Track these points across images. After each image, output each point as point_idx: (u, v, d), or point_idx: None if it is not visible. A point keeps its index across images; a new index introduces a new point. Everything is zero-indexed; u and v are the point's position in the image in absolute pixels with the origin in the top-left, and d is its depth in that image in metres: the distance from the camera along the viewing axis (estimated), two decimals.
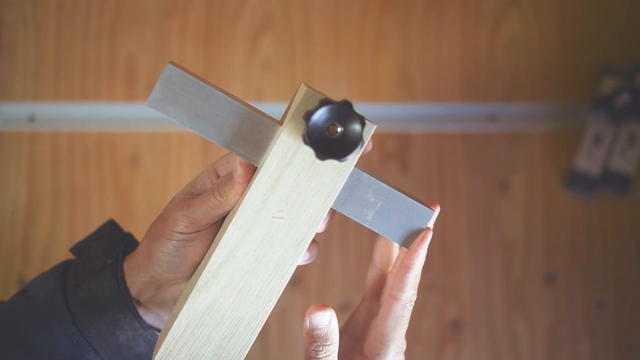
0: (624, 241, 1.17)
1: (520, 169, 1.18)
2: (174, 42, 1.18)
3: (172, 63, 0.44)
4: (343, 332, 0.55)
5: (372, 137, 0.48)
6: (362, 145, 0.44)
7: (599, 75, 1.19)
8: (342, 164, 0.46)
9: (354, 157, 0.45)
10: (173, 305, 0.53)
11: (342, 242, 1.13)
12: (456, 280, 1.14)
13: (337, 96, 1.18)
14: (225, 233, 0.46)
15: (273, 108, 1.17)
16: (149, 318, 0.54)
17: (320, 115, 0.43)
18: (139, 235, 0.60)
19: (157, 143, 1.16)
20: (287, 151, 0.45)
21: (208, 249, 0.50)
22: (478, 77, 1.20)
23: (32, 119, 1.15)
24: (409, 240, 0.49)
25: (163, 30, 1.18)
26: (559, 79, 1.21)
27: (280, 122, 0.48)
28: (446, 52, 1.20)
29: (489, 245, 1.16)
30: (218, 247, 0.46)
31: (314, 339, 0.48)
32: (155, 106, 0.45)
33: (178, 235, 0.49)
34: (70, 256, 0.58)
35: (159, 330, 0.54)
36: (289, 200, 0.46)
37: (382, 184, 0.48)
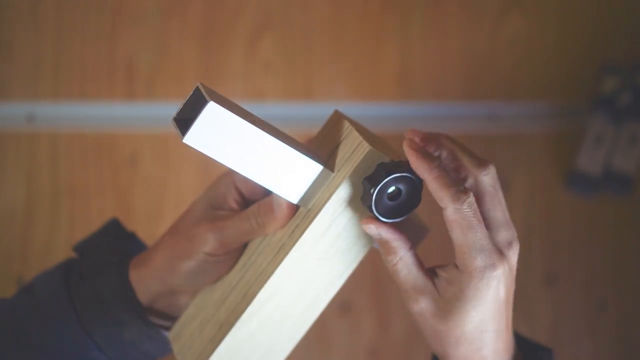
0: (626, 241, 1.16)
1: (521, 168, 1.18)
2: (174, 42, 1.18)
3: (213, 99, 0.42)
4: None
5: None
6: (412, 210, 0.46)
7: (600, 75, 1.19)
8: None
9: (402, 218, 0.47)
10: (183, 307, 0.53)
11: None
12: None
13: (337, 96, 1.18)
14: (274, 274, 0.47)
15: (273, 108, 1.17)
16: (153, 316, 0.54)
17: (386, 185, 0.45)
18: (140, 235, 0.60)
19: (156, 143, 1.16)
20: (341, 204, 0.46)
21: (232, 267, 0.51)
22: (479, 77, 1.20)
23: (30, 118, 1.15)
24: None
25: (163, 30, 1.18)
26: (560, 78, 1.21)
27: (321, 159, 0.47)
28: (447, 51, 1.20)
29: None
30: (266, 285, 0.47)
31: (382, 246, 0.47)
32: (193, 143, 0.43)
33: (207, 257, 0.49)
34: (73, 254, 0.58)
35: (163, 328, 0.54)
36: (335, 244, 0.47)
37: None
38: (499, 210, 0.46)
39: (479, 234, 0.44)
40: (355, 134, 0.46)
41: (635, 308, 1.15)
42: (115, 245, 0.55)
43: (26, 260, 1.11)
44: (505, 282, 0.45)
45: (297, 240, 0.46)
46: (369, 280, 1.13)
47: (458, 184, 0.44)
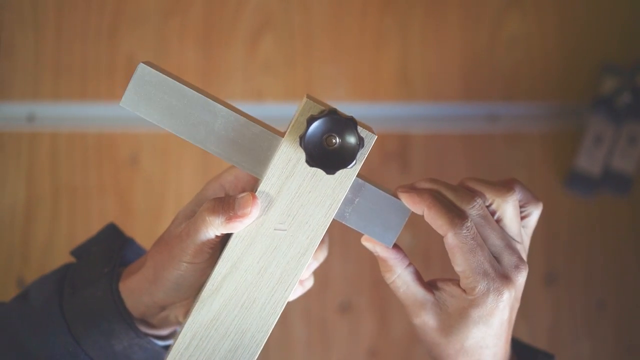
0: (625, 241, 1.17)
1: (521, 169, 1.18)
2: (174, 42, 1.18)
3: (145, 62, 0.44)
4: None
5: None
6: (354, 165, 0.44)
7: (599, 75, 1.19)
8: (344, 174, 0.46)
9: (345, 173, 0.45)
10: (175, 322, 0.53)
11: (342, 243, 1.12)
12: None
13: (337, 96, 1.18)
14: (228, 246, 0.46)
15: (273, 108, 1.17)
16: (145, 327, 0.53)
17: (322, 122, 0.43)
18: (139, 237, 0.60)
19: (157, 143, 1.16)
20: (288, 163, 0.45)
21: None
22: (478, 77, 1.20)
23: (31, 118, 1.15)
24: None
25: (163, 30, 1.18)
26: (559, 78, 1.21)
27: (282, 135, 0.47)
28: (446, 51, 1.20)
29: None
30: (221, 259, 0.46)
31: (380, 263, 0.49)
32: (129, 106, 0.45)
33: (186, 265, 0.48)
34: (72, 258, 0.57)
35: (155, 338, 0.54)
36: (291, 212, 0.46)
37: (360, 179, 0.47)
38: (493, 237, 0.47)
39: (481, 258, 0.45)
40: (305, 98, 0.45)
41: (634, 308, 1.15)
42: (109, 254, 0.54)
43: (26, 260, 1.11)
44: (510, 305, 0.47)
45: None
46: (369, 280, 1.13)
47: (454, 210, 0.45)
